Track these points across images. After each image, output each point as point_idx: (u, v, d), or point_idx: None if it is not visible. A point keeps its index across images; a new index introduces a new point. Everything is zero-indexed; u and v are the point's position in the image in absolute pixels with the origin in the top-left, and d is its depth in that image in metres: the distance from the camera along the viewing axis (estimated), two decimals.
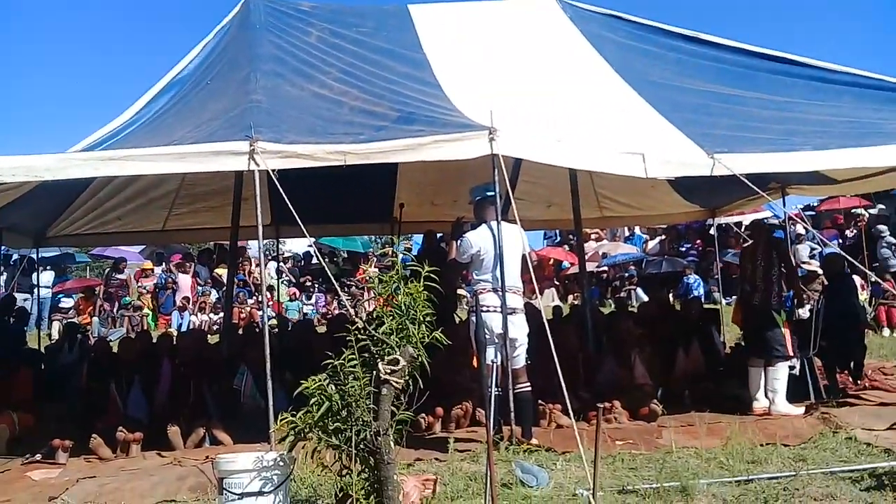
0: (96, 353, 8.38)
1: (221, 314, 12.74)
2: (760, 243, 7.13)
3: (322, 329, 10.29)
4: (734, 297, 14.40)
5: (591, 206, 10.24)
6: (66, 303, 15.24)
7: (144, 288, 16.36)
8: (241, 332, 9.72)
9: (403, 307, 3.73)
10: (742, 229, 16.66)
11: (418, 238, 11.80)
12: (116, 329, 14.62)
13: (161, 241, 13.77)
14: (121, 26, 66.90)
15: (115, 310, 15.57)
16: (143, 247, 17.87)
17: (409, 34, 8.18)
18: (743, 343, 7.67)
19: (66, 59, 65.16)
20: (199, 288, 16.16)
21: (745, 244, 7.68)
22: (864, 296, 11.87)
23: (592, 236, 17.96)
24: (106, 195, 8.58)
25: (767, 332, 6.83)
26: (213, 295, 16.21)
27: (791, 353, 6.89)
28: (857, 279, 9.19)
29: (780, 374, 6.75)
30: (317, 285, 17.24)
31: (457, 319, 8.64)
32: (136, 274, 16.49)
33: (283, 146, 5.40)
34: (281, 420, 3.73)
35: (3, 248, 9.54)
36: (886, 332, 11.89)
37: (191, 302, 15.52)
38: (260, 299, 14.83)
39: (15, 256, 13.11)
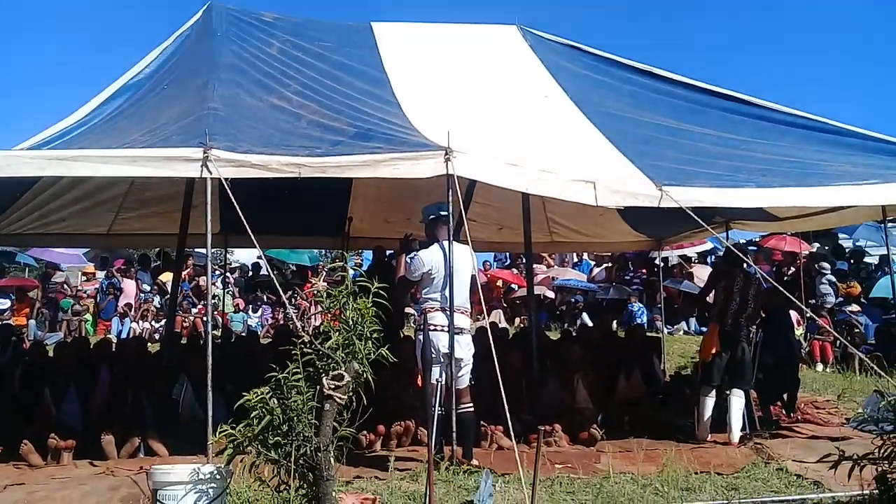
0: (31, 357, 8.16)
1: (163, 322, 12.52)
2: (749, 279, 7.15)
3: (267, 341, 10.17)
4: (675, 326, 14.85)
5: (542, 231, 10.37)
6: (2, 304, 14.77)
7: (85, 292, 15.94)
8: (183, 341, 9.57)
9: (351, 322, 3.73)
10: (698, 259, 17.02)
11: (369, 254, 11.78)
12: (53, 333, 14.20)
13: (106, 245, 13.47)
14: (76, 26, 65.60)
15: (54, 313, 15.14)
16: (87, 249, 17.43)
17: (370, 51, 8.23)
18: (706, 372, 7.14)
19: (15, 55, 63.51)
20: (142, 295, 15.82)
21: (719, 271, 7.60)
22: (799, 331, 12.22)
23: (546, 261, 18.11)
24: (51, 195, 8.36)
25: (750, 365, 7.04)
26: (156, 302, 15.88)
27: None
28: (793, 315, 9.46)
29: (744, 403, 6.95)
30: (263, 297, 17.02)
31: (402, 337, 8.64)
32: (61, 283, 16.00)
33: (237, 155, 5.35)
34: (220, 432, 3.68)
35: None
36: (820, 367, 12.23)
37: (133, 308, 15.19)
38: (204, 309, 14.63)
39: None
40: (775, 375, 7.73)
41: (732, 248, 7.16)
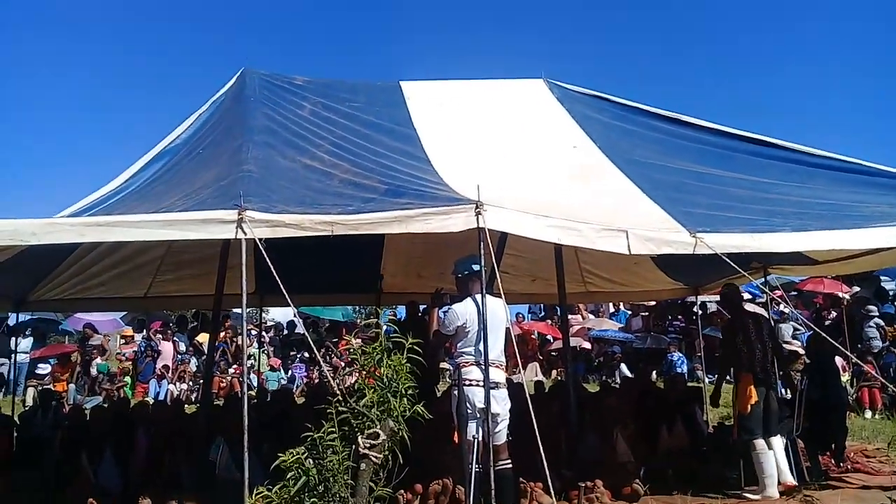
0: (70, 422, 8.24)
1: (201, 383, 12.59)
2: (759, 321, 7.11)
3: (302, 400, 10.16)
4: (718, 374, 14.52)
5: (576, 281, 10.30)
6: (43, 369, 14.98)
7: (124, 355, 16.12)
8: (220, 401, 9.59)
9: (385, 379, 3.71)
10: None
11: (401, 309, 11.81)
12: (93, 397, 14.33)
13: (143, 307, 13.66)
14: (115, 93, 67.91)
15: (91, 376, 15.28)
16: (125, 313, 17.71)
17: (400, 109, 8.36)
18: (749, 425, 6.82)
19: (58, 123, 65.82)
20: (179, 356, 15.95)
21: (730, 319, 7.58)
22: (845, 377, 11.88)
23: (580, 312, 17.93)
24: (91, 260, 8.54)
25: (778, 411, 6.91)
26: (193, 363, 15.99)
27: None
28: (838, 360, 9.22)
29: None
30: (298, 355, 17.05)
31: (437, 393, 8.57)
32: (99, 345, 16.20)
33: (271, 216, 5.42)
34: (256, 494, 3.66)
35: None
36: (869, 413, 11.86)
37: (170, 370, 15.29)
38: (240, 368, 14.69)
39: None
40: (822, 424, 7.49)
41: (775, 295, 7.03)
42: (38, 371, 14.86)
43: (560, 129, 8.40)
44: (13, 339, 12.14)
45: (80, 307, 12.42)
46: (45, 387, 13.38)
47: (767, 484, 6.59)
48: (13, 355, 12.15)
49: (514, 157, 7.68)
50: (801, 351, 9.36)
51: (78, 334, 19.04)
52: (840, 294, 14.99)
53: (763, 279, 8.69)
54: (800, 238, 6.19)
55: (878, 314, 14.44)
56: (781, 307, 13.65)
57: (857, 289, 16.35)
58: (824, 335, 7.10)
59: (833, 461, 7.72)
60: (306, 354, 16.78)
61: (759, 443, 6.68)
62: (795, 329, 14.75)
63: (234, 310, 14.43)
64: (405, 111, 8.36)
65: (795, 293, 16.63)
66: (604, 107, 9.03)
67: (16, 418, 9.29)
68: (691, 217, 6.24)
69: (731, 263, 5.88)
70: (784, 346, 13.28)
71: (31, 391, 13.91)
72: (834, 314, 15.11)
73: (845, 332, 12.78)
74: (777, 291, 8.28)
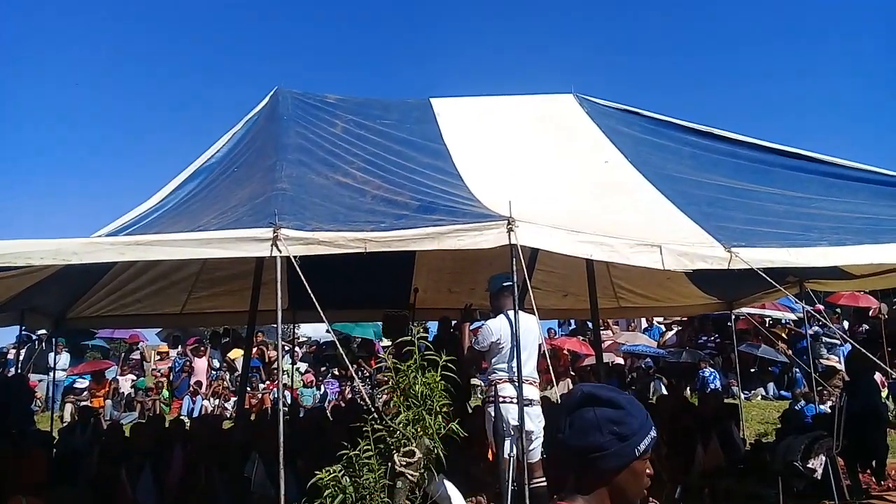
0: (108, 438, 8.35)
1: (234, 399, 12.69)
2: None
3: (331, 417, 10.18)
4: (752, 391, 14.33)
5: (608, 297, 10.24)
6: (81, 384, 15.19)
7: (159, 371, 16.31)
8: (253, 418, 9.66)
9: (420, 397, 3.72)
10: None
11: (431, 324, 11.79)
12: (129, 413, 14.51)
13: (179, 323, 13.82)
14: (151, 113, 69.19)
15: (131, 391, 15.46)
16: (160, 329, 17.91)
17: (431, 126, 8.40)
18: None
19: (95, 143, 67.18)
20: (213, 372, 16.07)
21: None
22: (884, 392, 11.64)
23: (610, 328, 17.78)
24: (127, 277, 8.68)
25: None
26: (227, 379, 16.09)
27: None
28: (877, 376, 9.03)
29: None
30: (330, 371, 17.08)
31: (469, 409, 8.55)
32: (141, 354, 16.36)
33: (305, 233, 5.46)
34: None
35: (23, 329, 9.60)
36: None
37: (204, 386, 15.42)
38: (272, 385, 14.78)
39: (33, 337, 13.25)
40: (863, 441, 7.34)
41: (811, 310, 6.89)
42: (76, 386, 15.07)
43: (591, 144, 8.37)
44: (51, 355, 12.34)
45: (117, 324, 12.59)
46: (82, 403, 13.56)
47: None
48: (52, 372, 12.36)
49: (545, 173, 7.67)
50: (839, 366, 9.19)
51: (114, 348, 19.28)
52: (862, 305, 14.68)
53: (800, 293, 8.54)
54: (836, 252, 6.10)
55: None
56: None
57: None
58: (863, 350, 6.97)
59: (873, 479, 7.56)
60: (337, 372, 16.80)
61: None
62: (830, 344, 14.47)
63: (266, 326, 14.52)
64: (436, 127, 8.40)
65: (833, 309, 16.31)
66: (634, 121, 8.99)
67: (55, 434, 9.44)
68: (726, 231, 6.18)
69: (767, 278, 5.81)
70: (821, 361, 13.11)
71: (68, 407, 14.10)
72: (865, 327, 14.84)
73: (884, 347, 12.51)
74: (817, 306, 8.15)
